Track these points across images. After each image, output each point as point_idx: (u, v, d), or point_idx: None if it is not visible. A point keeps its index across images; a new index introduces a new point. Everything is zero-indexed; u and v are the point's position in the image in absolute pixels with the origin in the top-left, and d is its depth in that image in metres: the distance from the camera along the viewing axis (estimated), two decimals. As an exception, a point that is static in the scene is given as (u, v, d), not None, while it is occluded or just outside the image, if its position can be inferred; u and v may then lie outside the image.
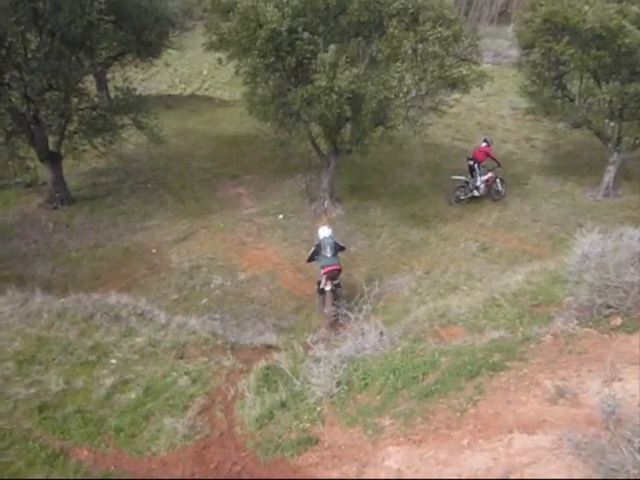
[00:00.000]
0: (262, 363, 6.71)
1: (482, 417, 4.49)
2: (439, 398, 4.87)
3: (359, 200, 15.01)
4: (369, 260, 12.79)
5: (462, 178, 15.17)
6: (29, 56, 12.75)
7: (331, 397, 5.46)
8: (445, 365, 5.22)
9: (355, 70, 11.71)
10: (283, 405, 5.70)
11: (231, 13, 12.24)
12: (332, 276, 10.31)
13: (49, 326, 7.60)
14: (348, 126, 13.43)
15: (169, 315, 8.41)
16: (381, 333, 6.38)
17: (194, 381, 6.74)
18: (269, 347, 8.04)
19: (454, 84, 13.24)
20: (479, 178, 15.20)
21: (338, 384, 5.54)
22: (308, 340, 7.03)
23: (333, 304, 9.93)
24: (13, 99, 12.60)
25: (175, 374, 6.88)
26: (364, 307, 7.34)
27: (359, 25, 12.75)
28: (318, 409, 5.42)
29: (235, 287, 11.50)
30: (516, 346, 5.39)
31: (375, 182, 16.07)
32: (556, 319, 5.89)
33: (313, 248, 10.66)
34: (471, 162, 15.41)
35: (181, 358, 7.30)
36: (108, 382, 6.71)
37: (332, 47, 11.63)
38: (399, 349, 5.83)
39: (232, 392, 6.43)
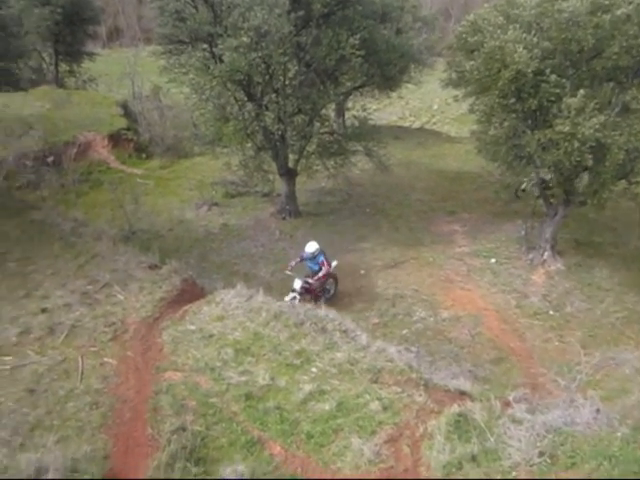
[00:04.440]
0: (455, 408, 6.48)
1: None
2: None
3: (583, 257, 13.69)
4: (586, 325, 11.54)
5: None
6: (286, 83, 14.40)
7: (530, 466, 5.03)
8: (678, 469, 4.45)
9: (602, 117, 10.82)
10: (474, 459, 5.42)
11: (476, 52, 12.25)
12: None
13: (265, 324, 8.37)
14: (585, 176, 12.38)
15: (369, 338, 8.62)
16: (597, 410, 5.69)
17: (385, 408, 6.78)
18: (462, 393, 7.73)
19: None
20: None
21: (541, 454, 5.08)
22: (511, 398, 6.57)
23: None
24: (267, 119, 14.30)
25: (368, 397, 7.01)
26: (578, 376, 6.66)
27: (615, 70, 11.75)
28: (514, 474, 5.03)
29: (435, 324, 11.35)
30: None
31: (606, 240, 14.51)
32: None
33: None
34: None
35: (375, 382, 7.40)
36: (307, 388, 7.12)
37: (581, 92, 10.91)
38: (618, 434, 5.14)
39: (421, 430, 6.32)
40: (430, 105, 35.61)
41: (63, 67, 28.67)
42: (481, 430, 5.86)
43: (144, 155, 20.74)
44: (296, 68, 14.49)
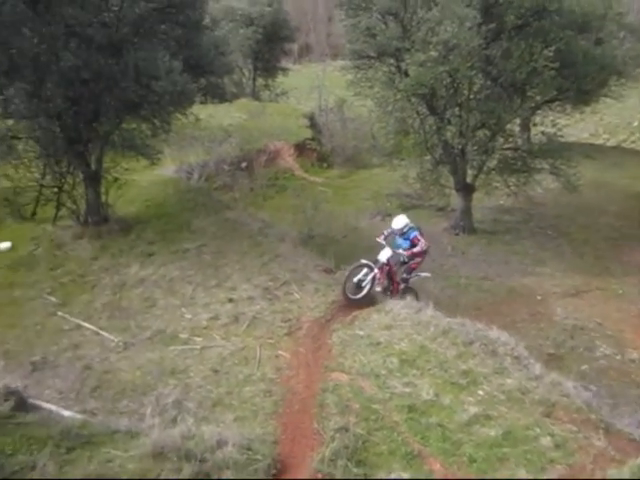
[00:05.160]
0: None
1: None
2: None
3: None
4: None
5: None
6: (471, 97, 14.15)
7: None
8: None
9: None
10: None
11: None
12: None
13: (432, 339, 8.29)
14: None
15: (543, 368, 8.07)
16: None
17: (557, 446, 6.32)
18: (652, 445, 6.89)
19: None
20: None
21: None
22: None
23: None
24: (448, 133, 14.18)
25: (538, 430, 6.59)
26: None
27: None
28: None
29: (621, 364, 10.21)
30: None
31: None
32: None
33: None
34: None
35: (547, 417, 6.92)
36: (472, 410, 6.91)
37: None
38: None
39: (598, 476, 5.79)
40: (629, 122, 32.10)
41: (260, 81, 31.51)
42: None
43: (325, 164, 21.85)
44: (482, 82, 14.19)
